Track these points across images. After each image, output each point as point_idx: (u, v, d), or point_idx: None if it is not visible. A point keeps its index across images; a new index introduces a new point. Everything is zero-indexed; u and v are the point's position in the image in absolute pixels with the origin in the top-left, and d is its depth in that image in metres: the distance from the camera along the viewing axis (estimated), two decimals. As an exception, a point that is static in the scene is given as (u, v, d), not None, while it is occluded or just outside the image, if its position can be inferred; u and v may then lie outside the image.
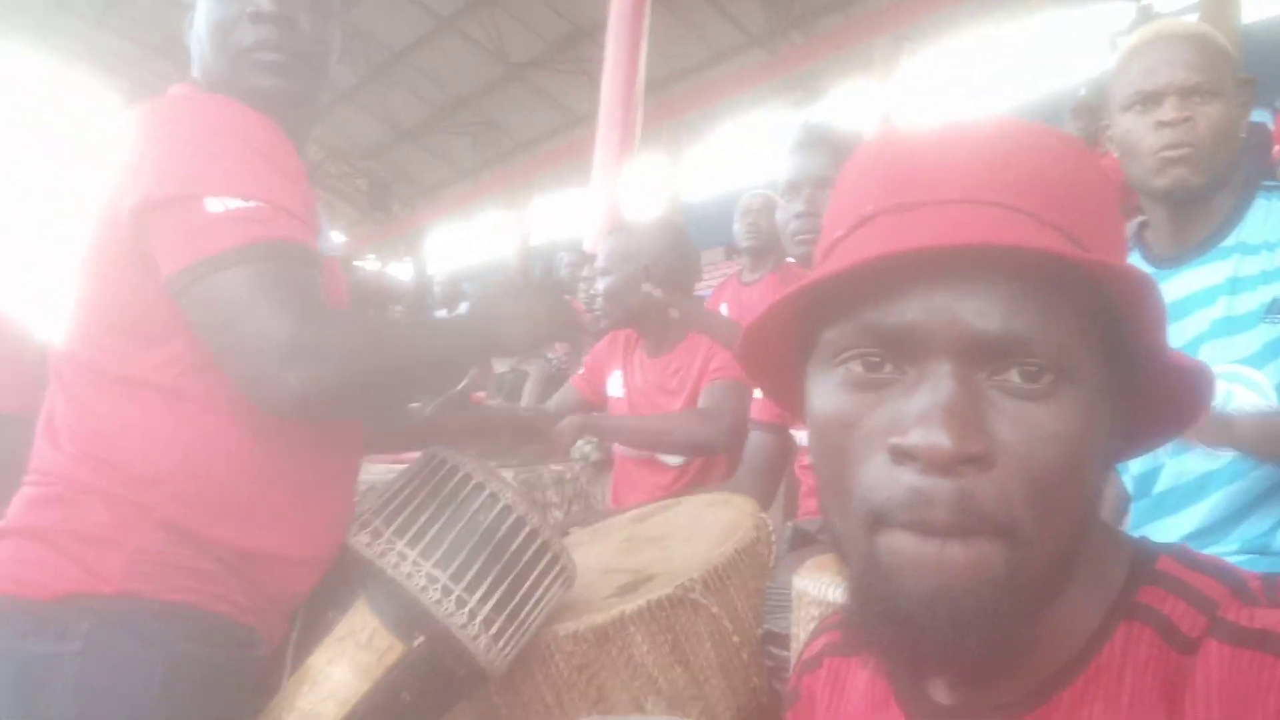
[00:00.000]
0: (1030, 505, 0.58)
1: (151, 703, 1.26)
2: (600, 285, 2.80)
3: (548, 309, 1.54)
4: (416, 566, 1.47)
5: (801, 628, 1.50)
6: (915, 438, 0.58)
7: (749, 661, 1.65)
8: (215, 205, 1.24)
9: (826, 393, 0.64)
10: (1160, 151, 1.59)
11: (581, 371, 3.10)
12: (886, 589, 0.60)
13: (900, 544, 0.59)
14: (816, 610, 1.44)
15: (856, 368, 0.62)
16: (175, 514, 1.30)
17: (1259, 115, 4.98)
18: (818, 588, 1.45)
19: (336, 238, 1.69)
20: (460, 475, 1.54)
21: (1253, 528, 1.53)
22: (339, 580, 1.52)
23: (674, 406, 2.71)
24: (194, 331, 1.29)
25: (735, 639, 1.64)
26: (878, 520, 0.60)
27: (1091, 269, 0.58)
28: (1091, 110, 5.01)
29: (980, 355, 0.59)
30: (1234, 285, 1.60)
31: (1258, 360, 1.55)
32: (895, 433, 0.59)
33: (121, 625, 1.26)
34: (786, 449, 2.31)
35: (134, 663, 1.26)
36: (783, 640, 1.59)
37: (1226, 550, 1.57)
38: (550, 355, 5.28)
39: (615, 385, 2.93)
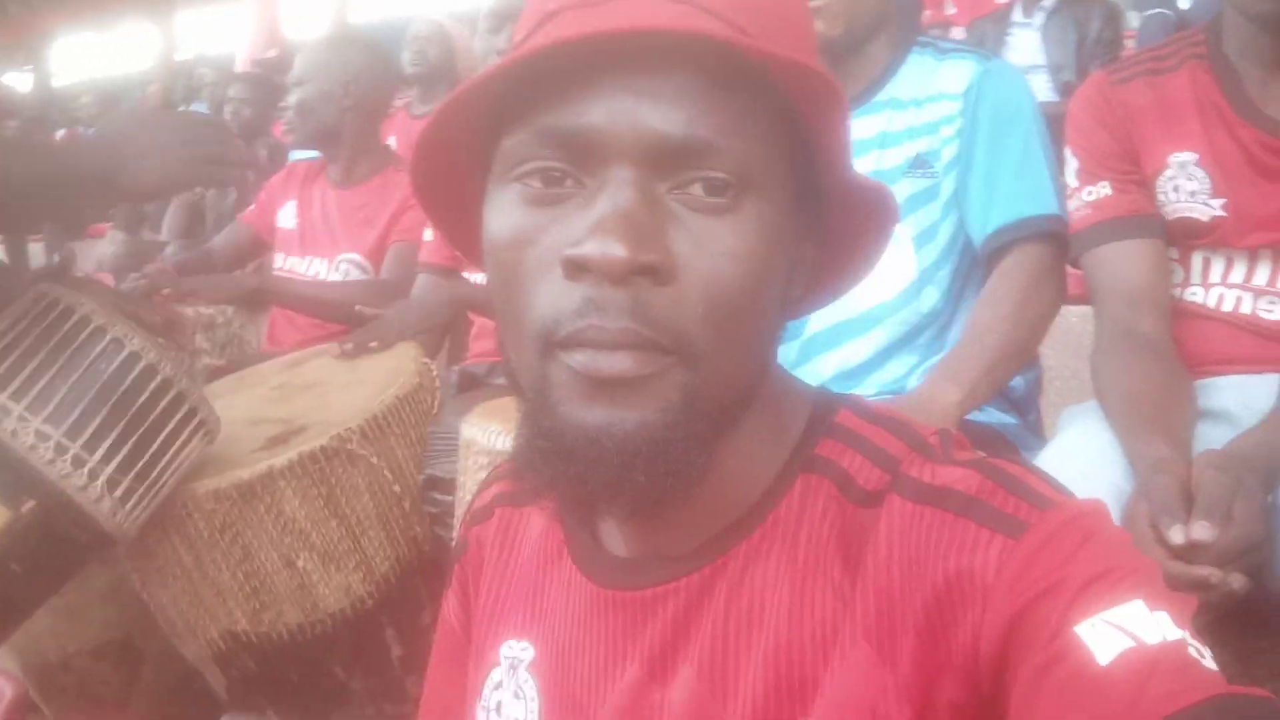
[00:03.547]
0: (707, 324, 0.55)
1: None
2: (293, 96, 2.57)
3: (188, 143, 1.34)
4: (23, 423, 1.29)
5: (469, 476, 1.46)
6: (589, 247, 0.53)
7: (410, 510, 1.61)
8: None
9: (502, 211, 0.59)
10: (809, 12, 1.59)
11: (252, 207, 2.84)
12: (553, 423, 0.56)
13: (569, 373, 0.55)
14: (485, 459, 1.40)
15: (534, 182, 0.57)
16: None
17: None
18: (486, 436, 1.41)
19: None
20: (77, 318, 1.36)
21: (891, 371, 1.62)
22: (-76, 440, 1.30)
23: (358, 244, 2.55)
24: None
25: (396, 488, 1.58)
26: (549, 340, 0.55)
27: (776, 67, 0.56)
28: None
29: (662, 162, 0.55)
30: (884, 140, 1.64)
31: (901, 213, 1.63)
32: (569, 245, 0.54)
33: None
34: (456, 296, 2.24)
35: None
36: (447, 485, 1.56)
37: (866, 392, 1.67)
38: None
39: (287, 216, 2.70)
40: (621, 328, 0.53)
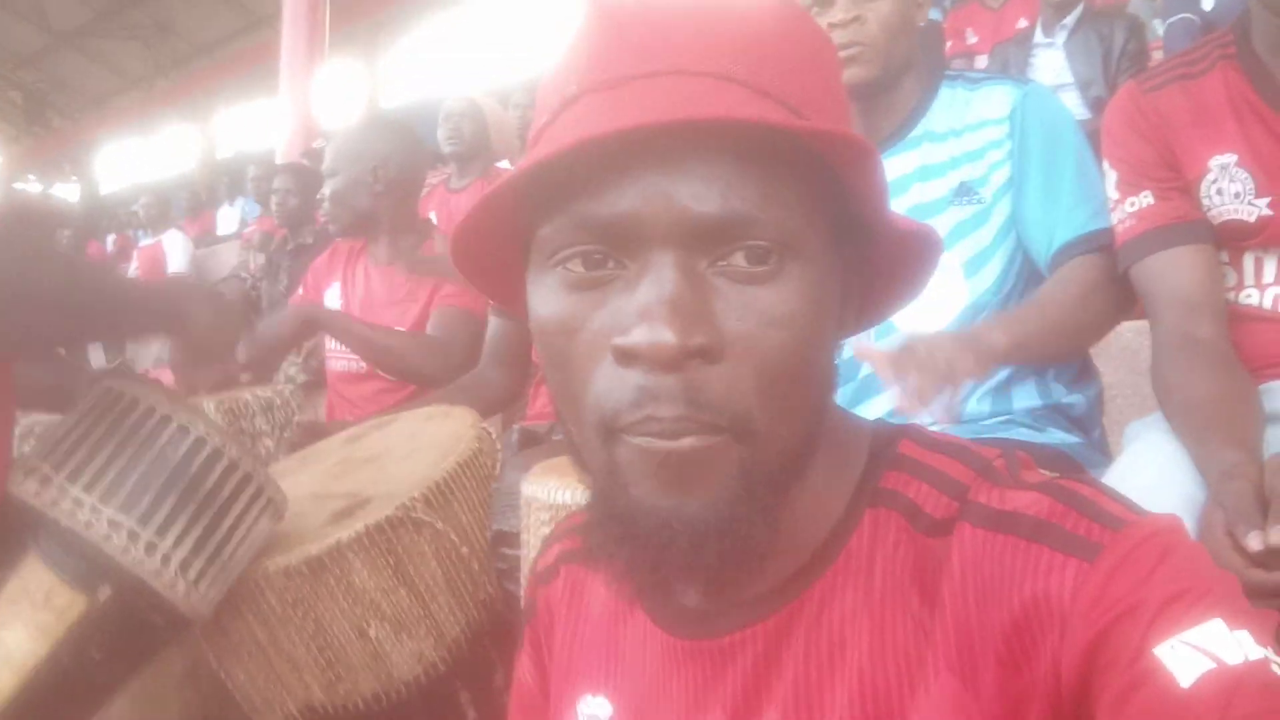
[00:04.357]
0: (762, 394, 0.56)
1: None
2: (327, 188, 2.62)
3: (234, 321, 1.44)
4: (95, 513, 1.32)
5: (532, 533, 1.46)
6: (638, 336, 0.53)
7: (479, 572, 1.61)
8: None
9: (546, 296, 0.59)
10: (836, 52, 1.62)
11: (300, 291, 2.90)
12: (625, 507, 0.56)
13: (635, 454, 0.55)
14: (547, 515, 1.41)
15: (575, 266, 0.57)
16: None
17: (932, 14, 5.27)
18: (546, 492, 1.42)
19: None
20: (142, 408, 1.39)
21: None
22: (5, 536, 1.34)
23: (402, 319, 2.57)
24: None
25: (463, 550, 1.59)
26: (611, 429, 0.56)
27: (809, 138, 0.55)
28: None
29: (701, 240, 0.55)
30: (924, 173, 1.66)
31: (948, 242, 1.63)
32: (618, 333, 0.55)
33: None
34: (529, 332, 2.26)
35: None
36: (513, 539, 1.56)
37: (926, 421, 1.66)
38: (244, 274, 4.92)
39: (332, 298, 2.75)
40: (677, 415, 0.54)
